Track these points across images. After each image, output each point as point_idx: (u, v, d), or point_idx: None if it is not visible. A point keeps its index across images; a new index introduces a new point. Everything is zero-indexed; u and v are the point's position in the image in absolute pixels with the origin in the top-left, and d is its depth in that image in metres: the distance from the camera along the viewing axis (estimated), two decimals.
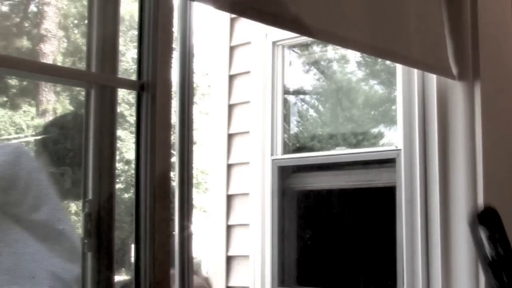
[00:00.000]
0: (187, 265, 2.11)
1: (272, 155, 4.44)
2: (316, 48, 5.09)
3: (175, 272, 2.07)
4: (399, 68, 3.95)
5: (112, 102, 1.82)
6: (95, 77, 1.79)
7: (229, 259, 4.61)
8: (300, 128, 5.19)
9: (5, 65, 1.57)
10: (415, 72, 3.83)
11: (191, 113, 2.20)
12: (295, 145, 4.71)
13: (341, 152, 4.47)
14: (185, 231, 2.10)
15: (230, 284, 4.58)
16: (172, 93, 1.95)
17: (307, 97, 5.36)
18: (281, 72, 4.55)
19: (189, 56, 2.20)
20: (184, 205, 2.09)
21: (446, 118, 3.75)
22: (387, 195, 4.02)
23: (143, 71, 1.86)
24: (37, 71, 1.70)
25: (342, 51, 5.12)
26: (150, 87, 1.83)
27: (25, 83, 18.39)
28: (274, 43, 4.53)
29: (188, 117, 2.16)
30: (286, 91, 4.64)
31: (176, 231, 2.09)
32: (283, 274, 4.42)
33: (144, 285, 1.79)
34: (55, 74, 1.75)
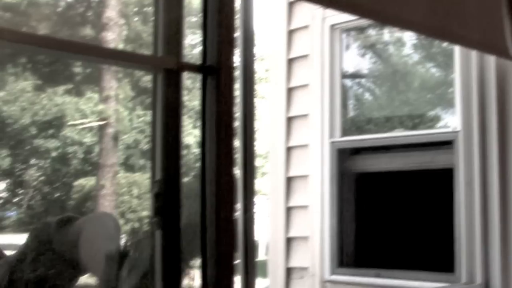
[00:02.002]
0: (250, 247, 2.13)
1: (330, 137, 4.43)
2: (372, 32, 5.04)
3: (239, 254, 2.09)
4: (457, 50, 3.88)
5: (177, 85, 1.84)
6: (162, 61, 1.81)
7: (288, 241, 4.62)
8: (356, 112, 5.16)
9: (79, 51, 1.61)
10: (473, 54, 3.75)
11: (252, 97, 2.21)
12: (350, 128, 4.68)
13: (399, 134, 4.43)
14: (248, 213, 2.12)
15: (289, 265, 4.60)
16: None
17: (363, 81, 5.32)
18: (339, 55, 4.51)
19: (250, 40, 2.20)
20: (246, 188, 2.11)
21: (505, 99, 3.68)
22: (445, 177, 3.97)
23: (207, 55, 1.87)
24: (108, 57, 1.73)
25: (398, 34, 5.05)
26: (214, 71, 1.84)
27: (88, 70, 18.80)
28: (332, 26, 4.50)
29: (250, 101, 2.16)
30: (343, 75, 4.61)
31: (239, 214, 2.11)
32: (341, 255, 4.41)
33: (210, 265, 1.82)
34: (125, 59, 1.78)
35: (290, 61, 4.72)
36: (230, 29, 1.91)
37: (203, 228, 1.80)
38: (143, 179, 15.97)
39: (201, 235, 1.81)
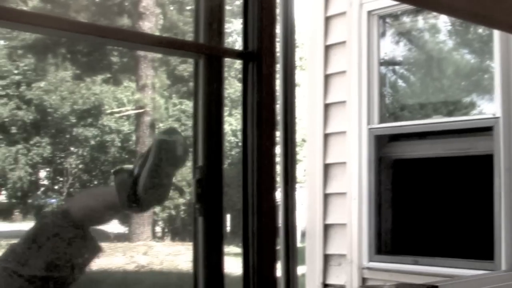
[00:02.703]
0: (291, 234, 2.10)
1: (368, 124, 4.38)
2: (406, 19, 4.97)
3: (280, 241, 2.06)
4: (496, 36, 3.79)
5: (219, 72, 1.81)
6: (204, 47, 1.79)
7: (326, 228, 4.59)
8: (390, 99, 5.10)
9: (122, 38, 1.59)
10: None
11: (293, 85, 2.17)
12: (385, 115, 4.62)
13: (439, 121, 4.36)
14: (289, 201, 2.09)
15: (327, 252, 4.57)
16: None
17: (398, 67, 5.25)
18: (377, 41, 4.45)
19: (290, 26, 2.17)
20: (287, 175, 2.08)
21: None
22: (484, 163, 3.90)
23: (248, 41, 1.84)
24: (150, 43, 1.71)
25: (432, 20, 4.98)
26: (256, 57, 1.81)
27: (125, 59, 18.90)
28: (369, 12, 4.44)
29: (290, 89, 2.13)
30: (380, 61, 4.55)
31: (280, 201, 2.08)
32: (379, 242, 4.37)
33: (252, 252, 1.79)
34: (167, 45, 1.76)
35: (327, 48, 4.68)
36: (272, 14, 1.88)
37: (245, 216, 1.78)
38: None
39: (242, 222, 1.79)
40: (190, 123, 21.40)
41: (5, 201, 22.13)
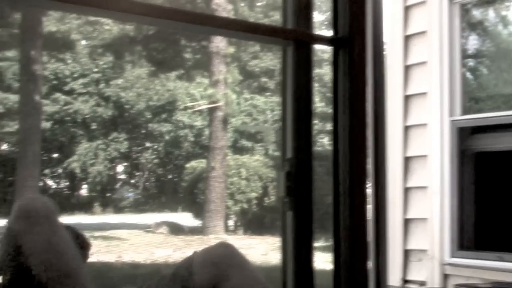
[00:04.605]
0: (381, 228, 1.99)
1: (450, 116, 4.18)
2: (489, 7, 4.76)
3: (370, 237, 1.95)
4: None
5: (308, 58, 1.71)
6: (293, 33, 1.69)
7: (406, 222, 4.43)
8: (473, 89, 4.89)
9: (207, 23, 1.51)
10: None
11: (382, 72, 2.05)
12: (467, 106, 4.42)
13: None
14: (379, 194, 1.97)
15: (407, 247, 4.41)
16: None
17: (481, 57, 5.04)
18: (459, 31, 4.25)
19: (379, 13, 2.04)
20: (378, 168, 1.96)
21: None
22: None
23: (339, 27, 1.73)
24: (239, 29, 1.62)
25: (504, 12, 4.77)
26: (347, 43, 1.70)
27: (198, 56, 19.02)
28: (451, 1, 4.24)
29: (380, 77, 2.01)
30: (463, 51, 4.35)
31: (370, 194, 1.97)
32: (462, 237, 4.18)
33: (343, 247, 1.69)
34: (254, 31, 1.67)
35: (407, 38, 4.50)
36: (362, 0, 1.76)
37: (336, 210, 1.68)
38: (251, 161, 16.07)
39: (333, 216, 1.68)
40: (261, 117, 21.42)
41: (86, 194, 22.73)
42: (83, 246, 1.84)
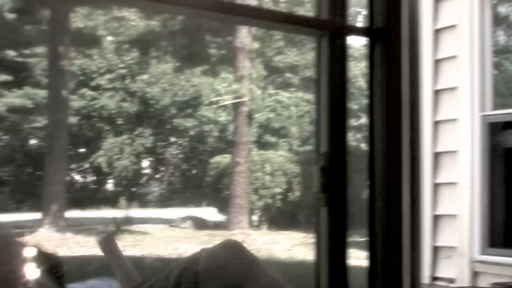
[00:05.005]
0: (416, 224, 1.93)
1: (481, 111, 4.09)
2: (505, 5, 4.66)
3: (405, 232, 1.89)
4: None
5: (343, 50, 1.66)
6: (328, 23, 1.64)
7: (436, 218, 4.35)
8: (504, 84, 4.79)
9: (241, 13, 1.47)
10: None
11: (417, 65, 1.99)
12: (498, 102, 4.33)
13: None
14: (414, 189, 1.91)
15: (436, 244, 4.33)
16: None
17: (499, 54, 4.95)
18: (490, 24, 4.15)
19: (415, 5, 1.98)
20: (413, 160, 1.90)
21: None
22: None
23: (375, 18, 1.67)
24: (272, 19, 1.58)
25: None
26: (382, 34, 1.64)
27: (223, 51, 19.00)
28: None
29: (415, 69, 1.95)
30: (493, 45, 4.26)
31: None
32: (492, 235, 4.09)
33: (379, 243, 1.64)
34: (288, 22, 1.61)
35: (437, 32, 4.41)
36: None
37: (372, 206, 1.62)
38: (275, 157, 16.00)
39: (369, 212, 1.63)
40: (286, 113, 21.36)
41: (112, 189, 22.86)
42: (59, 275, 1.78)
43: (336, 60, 1.65)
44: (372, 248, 1.64)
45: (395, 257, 1.66)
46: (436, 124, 4.38)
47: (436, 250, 4.34)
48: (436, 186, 4.35)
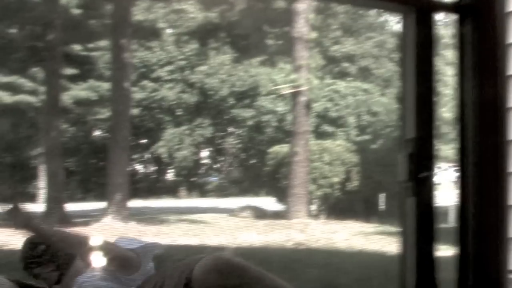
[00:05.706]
0: (501, 217, 1.79)
1: None
2: None
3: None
4: None
5: (429, 28, 1.52)
6: (414, 0, 1.51)
7: (508, 209, 4.13)
8: None
9: None
10: None
11: (504, 43, 1.84)
12: None
13: None
14: (501, 176, 1.76)
15: (510, 236, 4.11)
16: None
17: None
18: None
19: None
20: (499, 146, 1.76)
21: None
22: None
23: None
24: None
25: None
26: (473, 10, 1.50)
27: (280, 42, 18.83)
28: None
29: (503, 48, 1.80)
30: None
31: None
32: None
33: (471, 233, 1.50)
34: None
35: (508, 15, 4.17)
36: None
37: (463, 196, 1.49)
38: (333, 146, 15.80)
39: (460, 203, 1.50)
40: (343, 102, 21.06)
41: (172, 179, 23.09)
42: None
43: (422, 39, 1.51)
44: (462, 241, 1.51)
45: (488, 249, 1.52)
46: (508, 111, 4.15)
47: (509, 242, 4.13)
48: (509, 175, 4.13)
